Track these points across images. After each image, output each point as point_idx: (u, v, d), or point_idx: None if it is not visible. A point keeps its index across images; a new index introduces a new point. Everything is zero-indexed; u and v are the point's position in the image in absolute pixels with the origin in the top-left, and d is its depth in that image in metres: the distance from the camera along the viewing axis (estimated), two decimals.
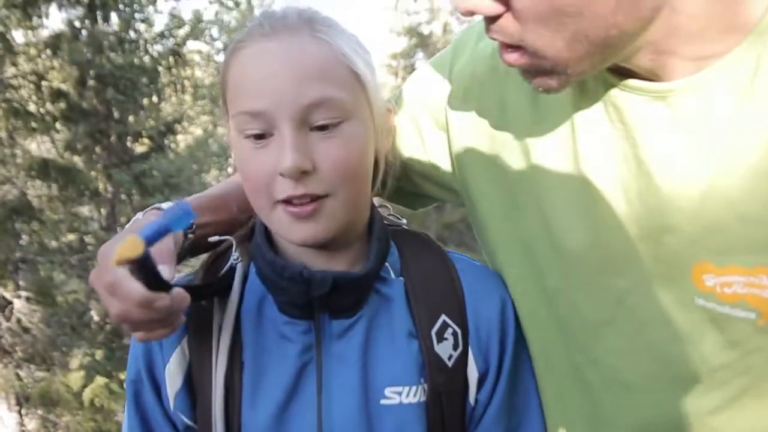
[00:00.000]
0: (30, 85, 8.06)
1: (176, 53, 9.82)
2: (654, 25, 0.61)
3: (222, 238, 0.84)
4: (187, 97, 14.16)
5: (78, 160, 8.62)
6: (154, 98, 9.68)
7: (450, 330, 0.80)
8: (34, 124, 7.79)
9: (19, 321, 7.11)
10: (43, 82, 8.23)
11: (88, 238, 8.75)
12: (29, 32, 8.21)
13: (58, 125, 8.30)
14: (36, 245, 7.62)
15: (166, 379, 0.81)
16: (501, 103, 0.82)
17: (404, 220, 0.94)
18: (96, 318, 8.17)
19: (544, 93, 0.69)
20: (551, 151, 0.76)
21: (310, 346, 0.78)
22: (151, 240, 0.61)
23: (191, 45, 12.08)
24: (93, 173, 8.54)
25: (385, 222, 0.89)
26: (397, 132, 0.92)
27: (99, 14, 8.61)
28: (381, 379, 0.78)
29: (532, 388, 0.86)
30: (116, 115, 8.81)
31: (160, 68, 9.35)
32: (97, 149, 8.77)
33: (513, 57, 0.66)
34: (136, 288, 0.64)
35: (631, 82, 0.68)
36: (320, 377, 0.77)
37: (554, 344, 0.82)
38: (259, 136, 0.72)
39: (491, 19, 0.63)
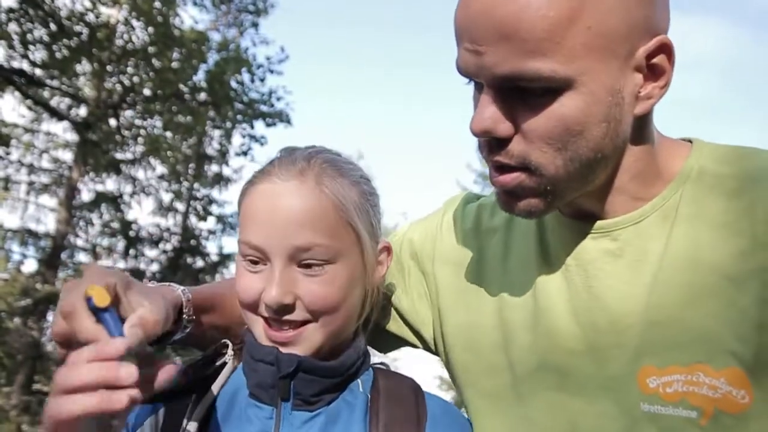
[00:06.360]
0: None
1: None
2: (621, 159, 0.77)
3: (224, 341, 0.90)
4: None
5: None
6: None
7: None
8: None
9: None
10: None
11: None
12: None
13: None
14: None
15: None
16: (480, 255, 0.94)
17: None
18: None
19: (524, 216, 0.78)
20: (517, 296, 0.87)
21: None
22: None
23: None
24: None
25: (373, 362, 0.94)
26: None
27: None
28: None
29: None
30: None
31: None
32: None
33: (509, 178, 0.74)
34: (89, 324, 0.65)
35: (585, 224, 0.81)
36: None
37: None
38: (255, 262, 0.82)
39: (499, 143, 0.72)
